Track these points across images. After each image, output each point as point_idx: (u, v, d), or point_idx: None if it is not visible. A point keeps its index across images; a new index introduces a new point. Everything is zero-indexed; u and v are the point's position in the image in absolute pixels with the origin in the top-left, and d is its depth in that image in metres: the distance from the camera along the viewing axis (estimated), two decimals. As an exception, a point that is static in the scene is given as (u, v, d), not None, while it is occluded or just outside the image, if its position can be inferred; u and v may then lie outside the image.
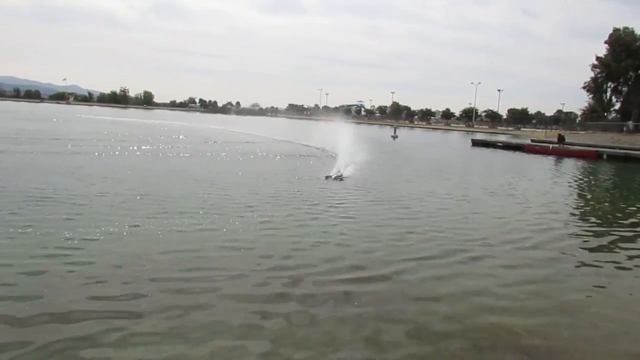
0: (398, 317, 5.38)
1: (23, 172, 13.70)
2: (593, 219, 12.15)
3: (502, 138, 58.97)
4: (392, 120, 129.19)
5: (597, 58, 71.29)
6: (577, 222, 11.65)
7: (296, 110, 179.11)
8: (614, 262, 8.10)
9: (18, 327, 4.63)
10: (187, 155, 22.00)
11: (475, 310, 5.70)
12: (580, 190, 18.32)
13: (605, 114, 72.49)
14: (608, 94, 73.51)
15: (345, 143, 22.46)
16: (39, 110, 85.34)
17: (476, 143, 46.67)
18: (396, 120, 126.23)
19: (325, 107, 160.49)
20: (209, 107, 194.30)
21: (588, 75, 73.54)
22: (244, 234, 8.26)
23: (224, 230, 8.48)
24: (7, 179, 12.37)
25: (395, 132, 53.00)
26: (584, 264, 7.90)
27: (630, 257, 8.46)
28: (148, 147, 24.56)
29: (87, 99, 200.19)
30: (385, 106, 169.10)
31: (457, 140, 61.34)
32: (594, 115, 71.14)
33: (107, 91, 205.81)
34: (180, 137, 34.02)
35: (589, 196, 17.12)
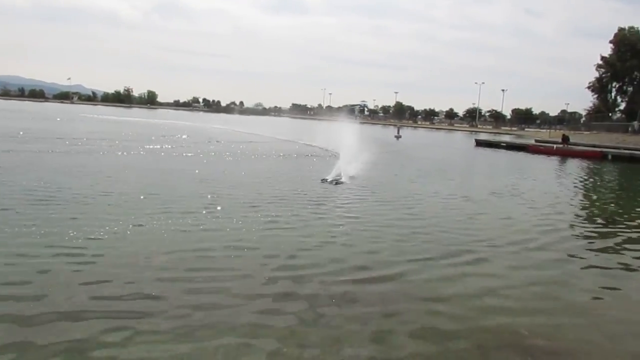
0: (403, 317, 5.36)
1: (28, 171, 13.74)
2: (599, 220, 12.08)
3: (506, 138, 58.74)
4: (395, 120, 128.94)
5: (602, 58, 71.02)
6: (583, 223, 11.58)
7: (299, 110, 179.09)
8: (620, 263, 8.04)
9: (23, 326, 4.64)
10: (190, 154, 22.01)
11: (480, 311, 5.67)
12: (585, 190, 18.21)
13: (610, 114, 72.16)
14: (613, 94, 73.25)
15: (349, 143, 22.34)
16: (43, 109, 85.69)
17: (480, 143, 46.49)
18: (399, 120, 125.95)
19: (329, 107, 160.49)
20: (212, 106, 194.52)
21: (593, 75, 73.35)
22: (249, 234, 8.25)
23: (228, 229, 8.47)
24: (12, 178, 12.41)
25: (398, 132, 52.86)
26: (591, 266, 7.84)
27: (638, 258, 8.40)
28: (152, 146, 24.60)
29: (91, 98, 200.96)
30: (389, 106, 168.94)
31: (461, 140, 61.17)
32: (599, 115, 70.82)
33: (111, 91, 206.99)
34: (184, 136, 34.05)
35: (594, 197, 17.02)
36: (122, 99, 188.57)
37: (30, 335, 4.47)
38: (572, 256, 8.28)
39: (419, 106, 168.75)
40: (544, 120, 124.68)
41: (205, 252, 7.18)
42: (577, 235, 9.96)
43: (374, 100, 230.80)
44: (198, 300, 5.42)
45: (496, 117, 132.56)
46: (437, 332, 5.06)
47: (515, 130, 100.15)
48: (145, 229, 8.18)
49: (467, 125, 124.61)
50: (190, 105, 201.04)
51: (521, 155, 36.33)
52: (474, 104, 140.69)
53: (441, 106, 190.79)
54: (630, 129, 54.85)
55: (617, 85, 71.97)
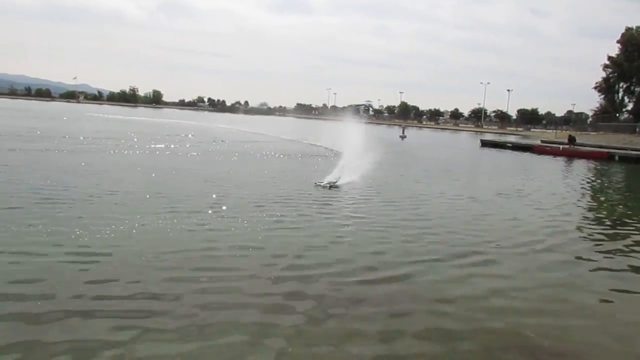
0: (409, 317, 5.35)
1: (34, 170, 13.82)
2: (607, 222, 11.97)
3: (512, 139, 58.46)
4: (400, 120, 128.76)
5: (609, 58, 70.54)
6: (591, 225, 11.47)
7: (304, 110, 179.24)
8: (630, 265, 7.97)
9: (30, 325, 4.65)
10: (195, 154, 22.06)
11: (486, 312, 5.64)
12: (592, 192, 18.08)
13: (617, 114, 71.65)
14: (620, 94, 72.75)
15: (354, 143, 22.19)
16: (49, 108, 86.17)
17: (485, 143, 46.34)
18: (404, 120, 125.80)
19: (334, 107, 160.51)
20: (217, 106, 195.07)
21: (600, 75, 72.88)
22: (254, 234, 8.24)
23: (234, 229, 8.47)
24: (19, 177, 12.47)
25: (403, 132, 52.78)
26: (599, 268, 7.76)
27: (646, 260, 8.30)
28: (157, 145, 24.68)
29: (97, 97, 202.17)
30: (394, 106, 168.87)
31: (466, 140, 60.97)
32: (606, 115, 70.31)
33: (116, 90, 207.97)
34: (189, 136, 34.16)
35: (602, 198, 16.89)
36: (127, 98, 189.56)
37: (37, 333, 4.48)
38: (580, 258, 8.21)
39: (423, 106, 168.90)
40: (550, 120, 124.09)
41: (212, 251, 7.18)
42: (585, 237, 9.88)
43: (379, 100, 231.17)
44: (205, 299, 5.42)
45: (502, 118, 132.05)
46: (443, 332, 5.04)
47: (520, 131, 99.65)
48: (151, 228, 8.19)
49: (473, 126, 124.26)
50: (195, 104, 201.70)
51: (527, 155, 36.14)
52: (479, 104, 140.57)
53: (446, 106, 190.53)
54: (637, 129, 54.47)
55: (624, 86, 71.44)
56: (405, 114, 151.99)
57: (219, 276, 6.17)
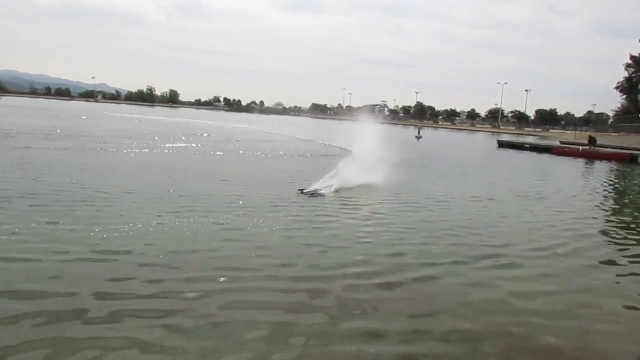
0: (428, 319, 5.29)
1: (53, 168, 14.05)
2: (632, 225, 11.63)
3: (530, 139, 57.57)
4: (415, 120, 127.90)
5: (632, 57, 69.13)
6: (614, 228, 11.18)
7: (319, 110, 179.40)
8: (656, 271, 7.72)
9: (52, 323, 4.67)
10: (212, 153, 22.20)
11: (507, 315, 5.54)
12: (615, 194, 17.66)
13: (640, 115, 70.04)
14: (642, 94, 71.08)
15: (367, 143, 21.93)
16: (69, 107, 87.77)
17: (502, 144, 45.70)
18: (420, 121, 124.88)
19: (349, 107, 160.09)
20: (233, 105, 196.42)
21: (621, 74, 71.37)
22: (272, 233, 8.23)
23: (250, 228, 8.47)
24: (39, 175, 12.68)
25: (419, 133, 52.35)
26: (624, 273, 7.56)
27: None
28: (174, 144, 24.92)
29: (115, 97, 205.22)
30: (409, 106, 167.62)
31: (483, 141, 60.25)
32: (628, 116, 68.76)
33: (134, 89, 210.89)
34: (205, 135, 34.42)
35: (625, 201, 16.48)
36: (145, 97, 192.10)
37: (59, 330, 4.51)
38: (604, 262, 8.00)
39: (440, 106, 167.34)
40: (568, 121, 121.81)
41: (229, 250, 7.19)
42: (609, 241, 9.63)
43: (394, 100, 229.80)
44: (224, 298, 5.42)
45: (519, 118, 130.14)
46: (462, 335, 4.97)
47: (538, 132, 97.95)
48: (169, 226, 8.23)
49: (489, 126, 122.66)
50: (211, 104, 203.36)
51: (545, 157, 35.54)
52: (496, 104, 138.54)
53: (462, 106, 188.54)
54: (660, 130, 53.16)
55: (647, 86, 69.88)
56: (421, 114, 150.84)
57: (237, 275, 6.16)
